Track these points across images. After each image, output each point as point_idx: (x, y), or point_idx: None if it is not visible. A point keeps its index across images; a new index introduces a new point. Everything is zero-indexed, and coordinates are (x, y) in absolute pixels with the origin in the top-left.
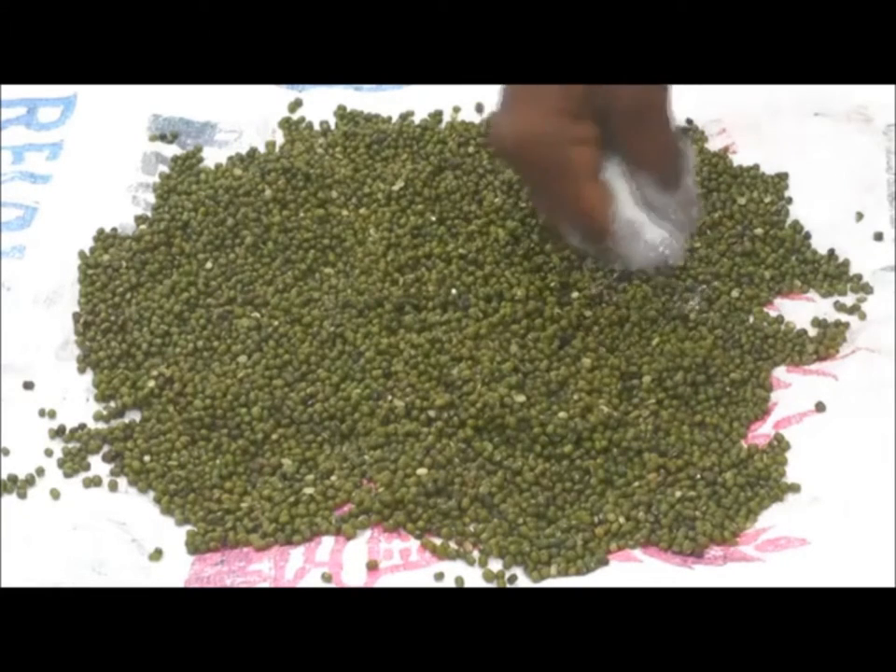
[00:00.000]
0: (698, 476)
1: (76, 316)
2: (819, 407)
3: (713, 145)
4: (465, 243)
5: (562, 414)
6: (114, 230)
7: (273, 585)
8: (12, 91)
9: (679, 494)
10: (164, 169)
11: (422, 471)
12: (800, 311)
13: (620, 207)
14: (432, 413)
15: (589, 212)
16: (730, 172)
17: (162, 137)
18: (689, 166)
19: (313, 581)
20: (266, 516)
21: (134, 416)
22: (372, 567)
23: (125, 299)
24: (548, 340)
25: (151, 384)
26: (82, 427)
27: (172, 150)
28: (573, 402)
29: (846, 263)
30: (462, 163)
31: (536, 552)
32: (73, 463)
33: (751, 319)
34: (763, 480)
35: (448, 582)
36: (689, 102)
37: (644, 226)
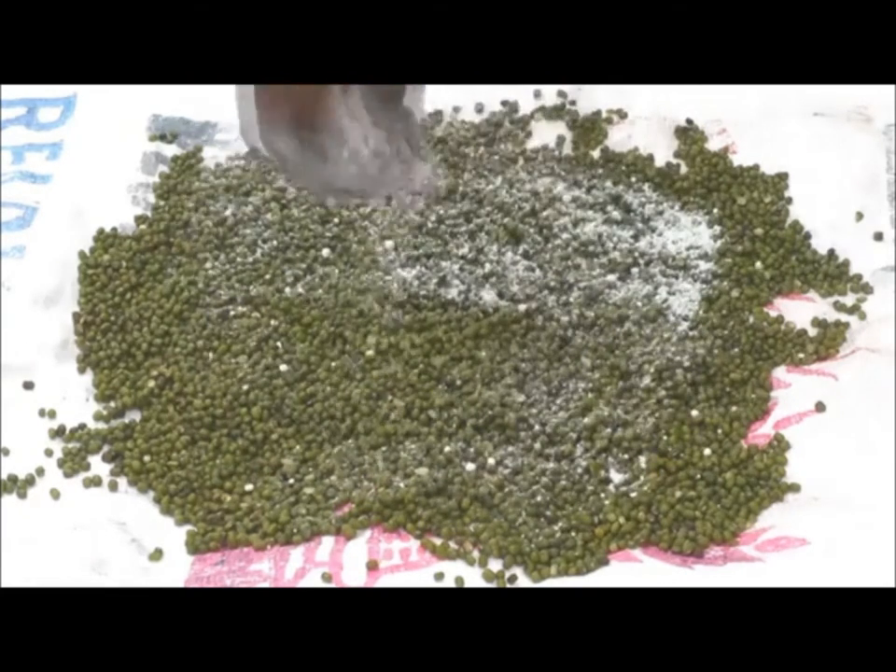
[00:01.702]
0: (698, 476)
1: (76, 316)
2: (819, 407)
3: (713, 145)
4: (465, 242)
5: (562, 414)
6: (114, 230)
7: (272, 585)
8: (12, 90)
9: (678, 494)
10: (164, 169)
11: (422, 471)
12: (800, 311)
13: (337, 116)
14: (432, 413)
15: (302, 103)
16: (730, 172)
17: (162, 137)
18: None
19: (313, 581)
20: (266, 516)
21: (134, 416)
22: (372, 567)
23: (125, 299)
24: (548, 340)
25: (151, 384)
26: (82, 426)
27: (172, 150)
28: (573, 402)
29: (846, 263)
30: (462, 163)
31: (536, 552)
32: (73, 463)
33: (751, 319)
34: (762, 480)
35: (448, 582)
36: (689, 102)
37: (353, 133)
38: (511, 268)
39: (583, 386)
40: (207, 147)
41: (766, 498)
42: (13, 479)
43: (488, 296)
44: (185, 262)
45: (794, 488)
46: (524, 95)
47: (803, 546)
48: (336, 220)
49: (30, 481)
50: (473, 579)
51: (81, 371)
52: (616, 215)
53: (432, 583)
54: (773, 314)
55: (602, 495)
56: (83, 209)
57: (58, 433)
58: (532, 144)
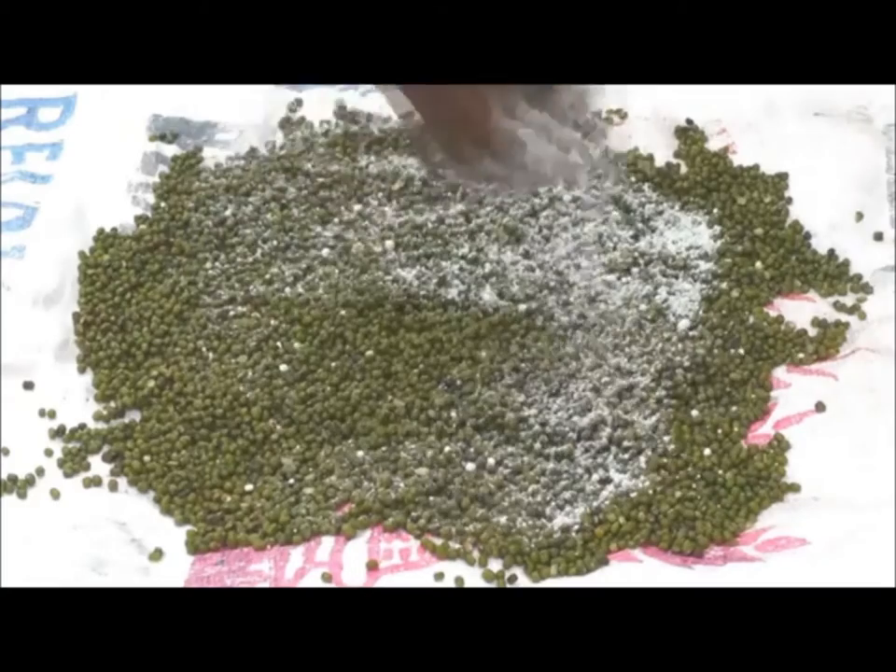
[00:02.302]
0: (698, 476)
1: (76, 316)
2: (819, 407)
3: (713, 145)
4: (465, 242)
5: (561, 414)
6: (114, 230)
7: (272, 585)
8: (12, 90)
9: (678, 494)
10: (164, 169)
11: (422, 471)
12: (800, 311)
13: (505, 121)
14: (432, 413)
15: (470, 116)
16: (730, 172)
17: (162, 137)
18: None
19: (313, 581)
20: (266, 516)
21: (134, 416)
22: (372, 567)
23: (125, 299)
24: (548, 340)
25: (151, 384)
26: (82, 426)
27: (172, 150)
28: (573, 402)
29: (846, 263)
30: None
31: (536, 552)
32: (73, 463)
33: (751, 319)
34: (762, 480)
35: (448, 582)
36: (689, 102)
37: (530, 138)
38: (510, 268)
39: (583, 386)
40: (207, 147)
41: (766, 498)
42: (13, 479)
43: (488, 296)
44: (185, 262)
45: (794, 488)
46: None
47: (803, 546)
48: (336, 220)
49: (30, 481)
50: (473, 579)
51: (81, 370)
52: (616, 215)
53: (432, 583)
54: (773, 314)
55: (602, 495)
56: (83, 209)
57: (58, 433)
58: None
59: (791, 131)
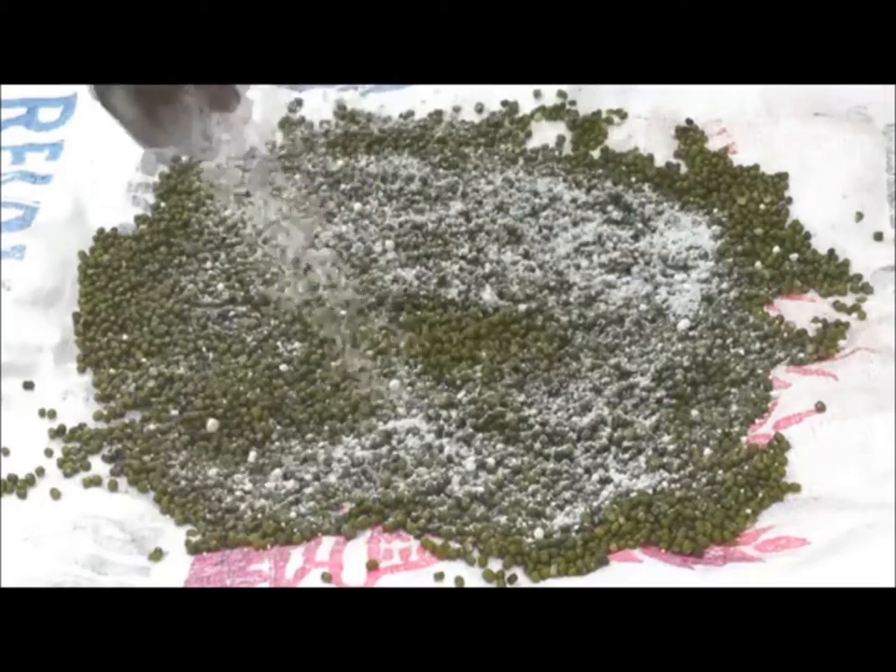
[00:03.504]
0: (698, 476)
1: (76, 316)
2: (819, 407)
3: (713, 145)
4: (465, 242)
5: (561, 414)
6: (114, 230)
7: (272, 585)
8: (12, 90)
9: (678, 494)
10: (164, 169)
11: (422, 471)
12: (800, 311)
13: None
14: (432, 413)
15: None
16: (730, 172)
17: None
18: None
19: (313, 581)
20: (266, 516)
21: (134, 416)
22: (372, 567)
23: (125, 298)
24: (548, 340)
25: (151, 384)
26: (82, 426)
27: (172, 150)
28: (573, 402)
29: (846, 263)
30: (462, 163)
31: (536, 552)
32: (73, 463)
33: (751, 319)
34: (762, 480)
35: (448, 582)
36: (689, 102)
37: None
38: (510, 268)
39: (583, 386)
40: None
41: (766, 498)
42: (13, 479)
43: (488, 296)
44: (185, 262)
45: (794, 488)
46: (524, 95)
47: (803, 546)
48: (336, 220)
49: (30, 481)
50: (473, 579)
51: (81, 370)
52: (616, 215)
53: (432, 583)
54: (773, 314)
55: (602, 495)
56: (83, 209)
57: (58, 433)
58: (532, 144)
59: (791, 131)
